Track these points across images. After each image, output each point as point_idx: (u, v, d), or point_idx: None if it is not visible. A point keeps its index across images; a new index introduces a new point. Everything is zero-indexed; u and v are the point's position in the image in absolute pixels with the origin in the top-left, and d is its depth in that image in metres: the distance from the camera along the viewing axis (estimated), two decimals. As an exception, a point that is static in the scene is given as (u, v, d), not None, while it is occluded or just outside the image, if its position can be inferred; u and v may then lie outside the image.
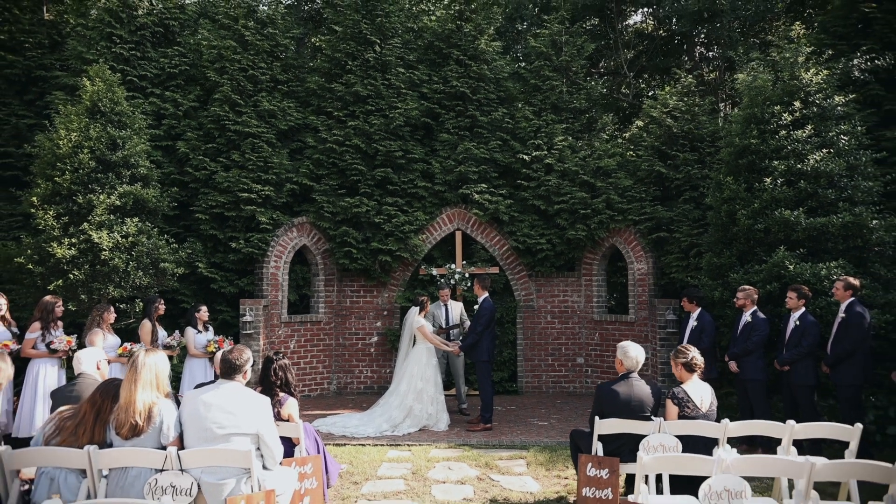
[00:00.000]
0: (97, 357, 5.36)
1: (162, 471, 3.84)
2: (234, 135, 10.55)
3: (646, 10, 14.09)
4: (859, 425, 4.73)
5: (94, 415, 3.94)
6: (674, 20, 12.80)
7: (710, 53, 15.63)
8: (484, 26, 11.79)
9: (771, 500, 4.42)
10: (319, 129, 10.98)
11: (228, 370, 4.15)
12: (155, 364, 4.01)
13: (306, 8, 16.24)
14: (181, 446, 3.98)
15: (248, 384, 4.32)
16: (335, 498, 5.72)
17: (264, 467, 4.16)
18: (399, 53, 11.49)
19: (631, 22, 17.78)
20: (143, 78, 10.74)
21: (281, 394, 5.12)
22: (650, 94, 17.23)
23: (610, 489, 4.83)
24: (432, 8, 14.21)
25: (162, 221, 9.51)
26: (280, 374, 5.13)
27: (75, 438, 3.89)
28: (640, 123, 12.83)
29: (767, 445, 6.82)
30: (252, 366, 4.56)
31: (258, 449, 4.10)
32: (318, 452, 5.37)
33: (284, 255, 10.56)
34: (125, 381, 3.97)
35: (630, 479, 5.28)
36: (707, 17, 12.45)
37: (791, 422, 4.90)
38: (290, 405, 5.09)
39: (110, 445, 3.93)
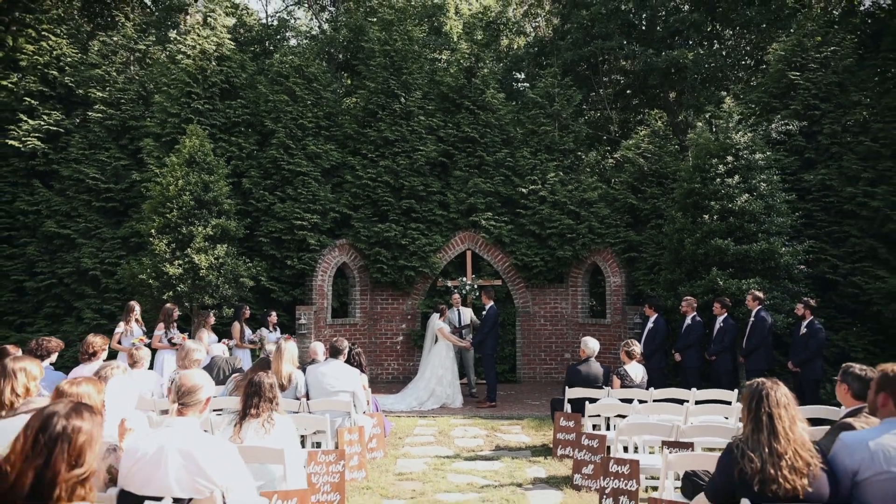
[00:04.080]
0: (223, 347, 8.02)
1: (297, 412, 6.37)
2: (288, 173, 13.09)
3: (623, 62, 16.64)
4: (736, 391, 7.26)
5: (256, 378, 6.47)
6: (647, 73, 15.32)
7: (683, 92, 18.16)
8: (489, 80, 14.34)
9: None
10: (356, 168, 13.50)
11: (334, 352, 6.71)
12: (292, 348, 6.55)
13: (335, 52, 18.83)
14: (308, 398, 6.52)
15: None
16: (388, 445, 8.23)
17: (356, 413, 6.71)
18: (420, 104, 13.98)
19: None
20: (213, 126, 13.25)
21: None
22: (638, 118, 19.75)
23: (574, 434, 7.33)
24: (446, 57, 16.80)
25: (237, 245, 12.04)
26: (357, 358, 7.67)
27: (240, 392, 6.42)
28: (617, 157, 15.33)
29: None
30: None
31: (353, 402, 6.64)
32: (378, 412, 7.91)
33: (329, 270, 13.09)
34: (274, 358, 6.51)
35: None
36: (674, 72, 14.99)
37: (694, 389, 7.43)
38: (363, 378, 7.62)
39: (266, 397, 6.46)
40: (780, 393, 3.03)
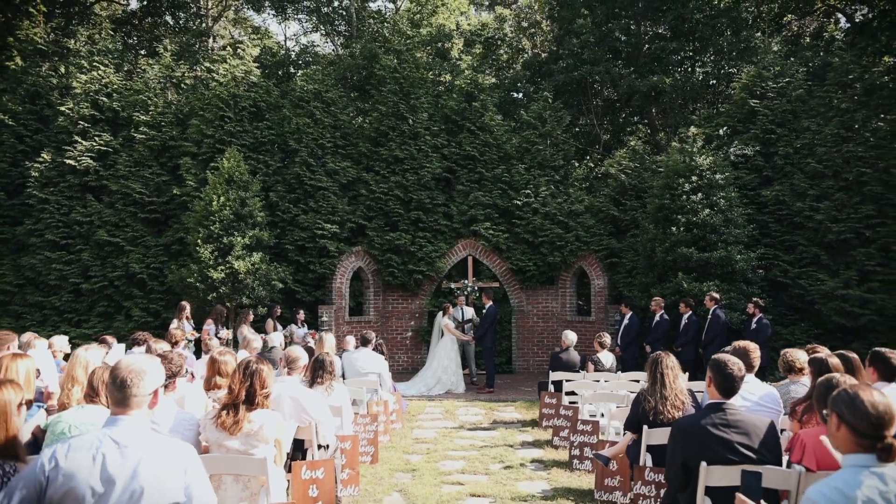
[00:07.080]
0: (280, 339, 9.73)
1: (336, 389, 8.09)
2: (310, 187, 14.81)
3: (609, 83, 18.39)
4: (697, 381, 8.98)
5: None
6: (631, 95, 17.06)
7: (664, 112, 19.88)
8: (488, 104, 16.05)
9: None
10: (370, 183, 15.21)
11: (364, 342, 8.44)
12: (331, 339, 8.25)
13: (349, 74, 20.55)
14: (344, 378, 8.24)
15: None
16: (404, 420, 9.95)
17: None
18: (426, 125, 15.66)
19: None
20: (243, 145, 14.94)
21: (379, 358, 9.36)
22: (627, 129, 21.48)
23: (555, 408, 9.05)
24: (449, 78, 18.53)
25: (267, 252, 13.76)
26: (380, 347, 9.39)
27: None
28: (603, 170, 17.07)
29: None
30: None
31: (380, 381, 8.36)
32: (397, 392, 9.64)
33: (346, 273, 14.81)
34: (317, 346, 8.22)
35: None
36: (654, 95, 16.71)
37: (653, 372, 9.14)
38: (385, 364, 9.34)
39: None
40: (670, 360, 4.76)
